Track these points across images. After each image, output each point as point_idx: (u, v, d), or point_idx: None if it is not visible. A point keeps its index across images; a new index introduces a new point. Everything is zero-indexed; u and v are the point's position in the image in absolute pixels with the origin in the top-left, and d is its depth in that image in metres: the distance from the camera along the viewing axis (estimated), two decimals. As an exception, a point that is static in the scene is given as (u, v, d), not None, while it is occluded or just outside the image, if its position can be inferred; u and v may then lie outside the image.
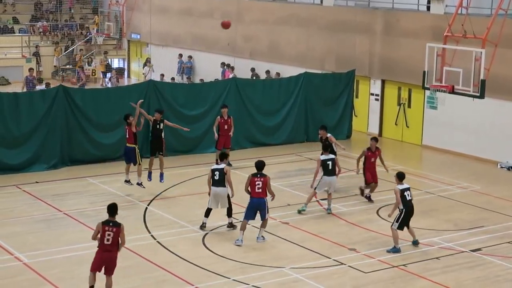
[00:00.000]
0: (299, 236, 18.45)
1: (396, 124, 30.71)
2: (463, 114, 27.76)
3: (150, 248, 17.51)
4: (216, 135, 24.63)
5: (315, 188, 20.26)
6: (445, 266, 16.78)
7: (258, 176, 18.04)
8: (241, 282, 15.61)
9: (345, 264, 16.68)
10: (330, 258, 17.01)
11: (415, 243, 18.00)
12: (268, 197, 17.95)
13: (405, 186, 17.70)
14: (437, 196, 22.11)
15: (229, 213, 18.77)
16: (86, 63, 44.59)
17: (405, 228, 17.67)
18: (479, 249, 17.88)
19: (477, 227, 19.34)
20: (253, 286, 15.44)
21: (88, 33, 47.46)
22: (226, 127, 24.57)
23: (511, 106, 26.34)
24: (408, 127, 30.09)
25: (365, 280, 15.91)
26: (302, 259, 16.97)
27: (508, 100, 26.33)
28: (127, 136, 21.73)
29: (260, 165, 18.26)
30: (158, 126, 22.53)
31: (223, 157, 18.98)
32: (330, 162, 20.25)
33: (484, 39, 21.27)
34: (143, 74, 40.89)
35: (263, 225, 18.13)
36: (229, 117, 24.70)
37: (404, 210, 17.50)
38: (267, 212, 17.98)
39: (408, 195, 17.54)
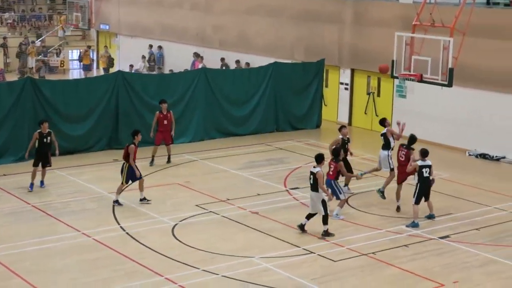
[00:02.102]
0: (269, 226, 18.46)
1: (365, 113, 30.82)
2: (432, 102, 27.93)
3: (119, 240, 17.44)
4: (152, 132, 24.05)
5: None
6: (413, 254, 16.88)
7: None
8: (211, 272, 15.59)
9: (314, 253, 16.71)
10: (299, 247, 17.03)
11: (431, 216, 18.96)
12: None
13: (426, 163, 18.56)
14: (406, 184, 22.14)
15: (324, 221, 17.78)
16: (55, 54, 44.24)
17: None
18: (447, 236, 18.01)
19: (445, 215, 19.46)
20: (222, 276, 15.43)
21: (57, 25, 47.07)
22: (165, 122, 24.02)
23: (479, 95, 26.55)
24: (377, 116, 30.12)
25: (335, 268, 15.96)
26: (272, 248, 16.98)
27: (476, 88, 26.52)
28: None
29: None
30: (45, 140, 21.37)
31: (320, 159, 17.83)
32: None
33: (452, 28, 21.34)
34: (136, 70, 39.39)
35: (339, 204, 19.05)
36: (168, 112, 24.15)
37: (419, 185, 18.55)
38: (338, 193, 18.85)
39: (426, 171, 18.49)
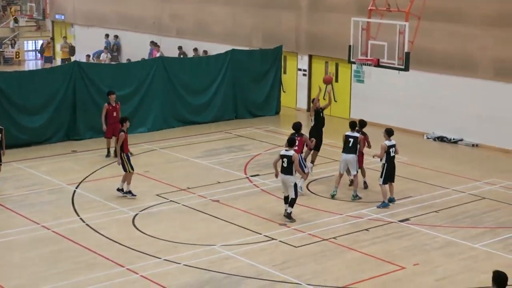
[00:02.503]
0: (230, 214, 18.45)
1: (324, 98, 30.83)
2: (390, 87, 28.12)
3: (79, 232, 17.28)
4: (104, 126, 23.53)
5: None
6: (374, 237, 17.00)
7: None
8: (173, 262, 15.54)
9: (276, 239, 16.75)
10: (260, 234, 17.05)
11: (391, 200, 19.09)
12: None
13: (392, 142, 18.83)
14: (364, 169, 22.31)
15: (291, 204, 17.88)
16: (10, 46, 43.69)
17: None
18: (407, 219, 18.17)
19: (405, 198, 19.63)
20: (184, 265, 15.39)
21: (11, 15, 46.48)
22: (115, 114, 23.40)
23: (435, 78, 26.79)
24: (336, 101, 30.26)
25: (296, 254, 16.01)
26: (233, 236, 16.97)
27: (432, 72, 26.76)
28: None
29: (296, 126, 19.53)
30: None
31: (292, 143, 17.90)
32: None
33: (407, 12, 21.45)
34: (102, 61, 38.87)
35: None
36: (117, 103, 23.67)
37: (386, 165, 18.81)
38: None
39: (392, 151, 18.83)
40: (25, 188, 20.56)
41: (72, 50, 39.97)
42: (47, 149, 24.66)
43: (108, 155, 23.70)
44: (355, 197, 19.58)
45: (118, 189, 19.56)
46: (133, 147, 24.44)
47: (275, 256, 15.88)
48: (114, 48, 39.60)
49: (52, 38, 42.16)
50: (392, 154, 18.91)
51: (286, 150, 17.85)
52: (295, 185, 17.86)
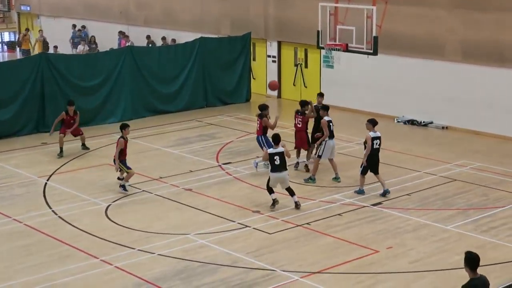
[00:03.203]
0: (203, 202, 18.43)
1: (294, 84, 30.95)
2: (359, 71, 28.20)
3: (52, 224, 17.17)
4: (52, 130, 23.17)
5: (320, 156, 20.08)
6: (347, 222, 17.07)
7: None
8: (147, 252, 15.49)
9: (249, 227, 16.76)
10: (234, 222, 17.06)
11: (385, 192, 18.80)
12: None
13: (377, 134, 18.79)
14: (336, 154, 22.40)
15: (293, 192, 17.92)
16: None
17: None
18: (379, 203, 18.26)
19: (377, 182, 19.68)
20: (158, 254, 15.35)
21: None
22: (72, 122, 22.80)
23: (404, 61, 26.90)
24: (306, 87, 30.35)
25: (270, 241, 16.03)
26: (207, 224, 16.96)
27: (401, 55, 26.87)
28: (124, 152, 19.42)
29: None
30: None
31: (277, 140, 17.67)
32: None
33: (374, -4, 21.52)
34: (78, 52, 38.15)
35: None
36: (75, 114, 22.96)
37: (369, 156, 18.63)
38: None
39: (376, 143, 18.71)
40: (-4, 182, 20.40)
41: (46, 46, 39.28)
42: (17, 142, 24.45)
43: (60, 154, 22.66)
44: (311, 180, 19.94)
45: (120, 185, 19.32)
46: (104, 138, 24.42)
47: (250, 244, 15.90)
48: (92, 39, 38.79)
49: (27, 29, 41.21)
50: (376, 146, 18.69)
51: (273, 148, 17.66)
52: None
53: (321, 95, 22.07)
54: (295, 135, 21.16)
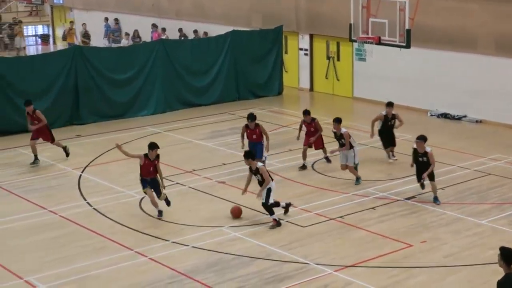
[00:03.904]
0: (236, 195, 18.42)
1: (326, 77, 30.88)
2: (392, 64, 28.06)
3: (86, 216, 17.32)
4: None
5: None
6: (380, 216, 17.02)
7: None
8: (180, 244, 15.58)
9: (282, 220, 16.77)
10: (267, 215, 17.06)
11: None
12: None
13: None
14: (369, 148, 22.37)
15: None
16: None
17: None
18: (413, 197, 18.18)
19: (410, 176, 19.58)
20: (192, 247, 15.43)
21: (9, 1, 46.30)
22: (36, 122, 21.49)
23: (437, 55, 26.72)
24: (338, 80, 30.28)
25: (303, 234, 16.04)
26: (240, 217, 16.98)
27: (434, 48, 26.69)
28: (151, 170, 17.14)
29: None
30: None
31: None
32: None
33: (408, -11, 21.41)
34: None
35: None
36: (34, 112, 21.53)
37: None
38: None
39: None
40: (31, 174, 20.59)
41: (87, 37, 39.43)
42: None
43: (33, 162, 21.40)
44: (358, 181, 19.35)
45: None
46: (137, 130, 24.58)
47: (283, 236, 15.92)
48: (135, 34, 38.55)
49: (72, 23, 40.91)
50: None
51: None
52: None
53: (390, 104, 20.99)
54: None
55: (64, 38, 39.71)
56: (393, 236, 15.85)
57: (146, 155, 17.01)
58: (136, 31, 38.16)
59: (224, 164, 21.06)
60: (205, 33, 34.45)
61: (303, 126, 20.93)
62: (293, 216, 17.01)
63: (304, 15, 31.16)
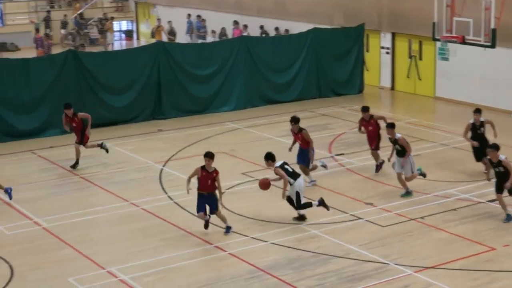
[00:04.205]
0: (315, 192, 18.44)
1: (408, 76, 30.55)
2: (475, 64, 27.57)
3: (167, 209, 17.55)
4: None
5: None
6: (462, 218, 16.76)
7: None
8: (260, 240, 15.66)
9: (362, 219, 16.71)
10: (347, 213, 17.02)
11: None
12: None
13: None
14: (451, 148, 22.07)
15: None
16: (95, 27, 44.43)
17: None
18: (495, 200, 17.81)
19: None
20: (272, 243, 15.49)
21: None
22: (74, 124, 20.88)
23: (523, 55, 26.16)
24: (420, 79, 29.92)
25: (383, 233, 15.93)
26: (319, 215, 16.95)
27: (520, 49, 26.15)
28: (209, 183, 15.90)
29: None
30: None
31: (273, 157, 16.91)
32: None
33: (493, -13, 21.05)
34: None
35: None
36: (75, 116, 20.90)
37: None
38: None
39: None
40: (113, 166, 20.97)
41: (173, 34, 39.88)
42: (133, 128, 25.10)
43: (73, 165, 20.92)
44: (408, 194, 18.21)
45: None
46: (217, 126, 24.77)
47: (362, 235, 15.84)
48: (223, 32, 38.60)
49: (159, 20, 41.19)
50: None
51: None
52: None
53: (477, 111, 19.61)
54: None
55: (153, 35, 40.03)
56: (475, 238, 15.60)
57: (203, 167, 15.75)
58: (223, 28, 38.14)
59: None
60: (286, 30, 34.47)
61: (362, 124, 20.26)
62: (373, 215, 16.91)
63: (386, 13, 30.89)
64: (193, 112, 26.72)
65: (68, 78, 24.52)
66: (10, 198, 17.85)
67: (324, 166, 19.30)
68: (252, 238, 15.77)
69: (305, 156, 18.85)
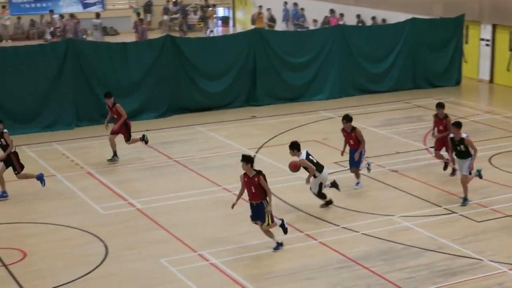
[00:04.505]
0: (408, 184, 18.22)
1: (508, 70, 29.77)
2: None
3: (259, 196, 17.58)
4: (106, 124, 20.63)
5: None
6: (561, 216, 16.29)
7: None
8: (351, 230, 15.57)
9: (456, 213, 16.40)
10: (440, 207, 16.73)
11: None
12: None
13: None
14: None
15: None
16: (192, 13, 44.87)
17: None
18: None
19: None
20: (362, 233, 15.38)
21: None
22: (115, 116, 20.35)
23: None
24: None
25: (477, 229, 15.60)
26: (412, 207, 16.76)
27: None
28: (254, 191, 14.50)
29: None
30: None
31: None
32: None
33: None
34: None
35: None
36: (115, 106, 20.26)
37: None
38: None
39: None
40: (207, 151, 21.18)
41: (273, 22, 39.96)
42: (227, 114, 25.29)
43: (111, 158, 20.46)
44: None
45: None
46: (311, 114, 24.71)
47: (455, 230, 15.55)
48: (325, 20, 38.08)
49: (261, 7, 40.93)
50: None
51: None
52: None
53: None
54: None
55: (253, 22, 40.19)
56: None
57: (244, 173, 14.34)
58: (326, 17, 37.85)
59: (398, 152, 20.80)
60: (383, 20, 34.08)
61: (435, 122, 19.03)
62: (468, 210, 16.56)
63: (488, 4, 30.15)
64: (287, 99, 26.74)
65: (165, 63, 24.86)
66: (43, 185, 17.84)
67: (368, 169, 18.32)
68: (343, 227, 15.69)
69: (355, 157, 17.88)
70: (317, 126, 23.74)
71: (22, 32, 43.13)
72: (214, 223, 16.12)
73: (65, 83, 23.73)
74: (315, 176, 16.41)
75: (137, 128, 23.41)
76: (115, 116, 20.34)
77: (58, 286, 13.33)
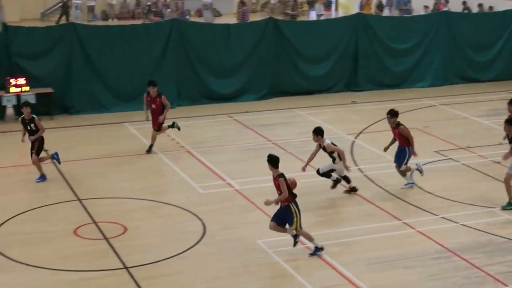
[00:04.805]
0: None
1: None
2: None
3: (358, 182, 17.36)
4: (146, 113, 19.74)
5: None
6: None
7: None
8: (450, 220, 15.34)
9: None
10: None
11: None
12: None
13: None
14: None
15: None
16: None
17: None
18: None
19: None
20: (462, 224, 15.13)
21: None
22: (154, 106, 19.48)
23: None
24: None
25: None
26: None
27: None
28: (278, 193, 13.87)
29: None
30: (28, 127, 17.62)
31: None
32: None
33: None
34: None
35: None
36: (158, 97, 19.48)
37: None
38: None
39: None
40: (306, 135, 21.00)
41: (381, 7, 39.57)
42: (327, 98, 25.22)
43: (148, 150, 19.93)
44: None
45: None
46: (412, 102, 24.39)
47: (560, 225, 15.13)
48: (435, 7, 36.98)
49: None
50: None
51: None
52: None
53: None
54: None
55: (361, 8, 39.77)
56: None
57: (281, 175, 13.65)
58: (436, 4, 37.14)
59: (501, 143, 20.25)
60: (490, 8, 33.26)
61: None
62: None
63: None
64: (388, 86, 26.46)
65: (267, 45, 24.95)
66: (59, 163, 17.95)
67: (420, 171, 17.38)
68: (442, 217, 15.46)
69: (400, 155, 17.06)
70: (418, 113, 23.41)
71: (127, 11, 43.94)
72: (310, 207, 16.02)
73: (169, 63, 24.08)
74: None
75: (238, 109, 23.69)
76: (153, 106, 19.44)
77: (156, 261, 13.60)
